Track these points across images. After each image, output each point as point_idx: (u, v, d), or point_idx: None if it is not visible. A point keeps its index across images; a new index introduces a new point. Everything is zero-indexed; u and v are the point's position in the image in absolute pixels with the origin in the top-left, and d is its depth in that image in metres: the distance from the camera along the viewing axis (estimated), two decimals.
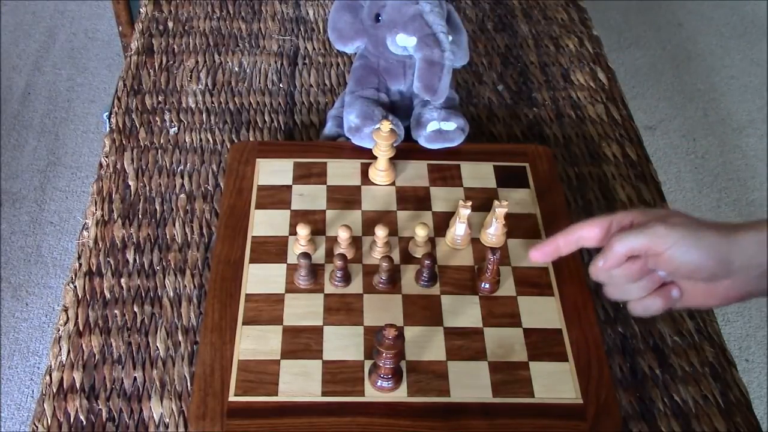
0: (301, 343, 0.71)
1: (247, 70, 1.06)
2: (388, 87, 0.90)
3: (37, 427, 0.69)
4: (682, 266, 0.60)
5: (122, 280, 0.80)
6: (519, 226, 0.82)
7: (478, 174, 0.87)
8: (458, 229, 0.78)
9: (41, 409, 0.71)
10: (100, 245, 0.84)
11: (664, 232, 0.60)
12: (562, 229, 0.82)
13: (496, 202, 0.77)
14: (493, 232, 0.79)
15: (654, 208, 0.61)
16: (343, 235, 0.76)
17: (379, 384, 0.68)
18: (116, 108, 1.00)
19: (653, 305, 0.64)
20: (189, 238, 0.85)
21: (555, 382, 0.70)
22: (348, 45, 0.90)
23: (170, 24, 1.13)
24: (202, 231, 0.85)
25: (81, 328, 0.76)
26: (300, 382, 0.69)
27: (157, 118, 0.99)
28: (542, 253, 0.67)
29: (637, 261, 0.62)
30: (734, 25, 2.60)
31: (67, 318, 0.77)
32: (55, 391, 0.72)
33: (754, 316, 1.82)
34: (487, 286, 0.76)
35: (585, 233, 0.65)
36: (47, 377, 0.73)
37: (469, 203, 0.77)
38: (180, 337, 0.76)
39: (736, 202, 2.04)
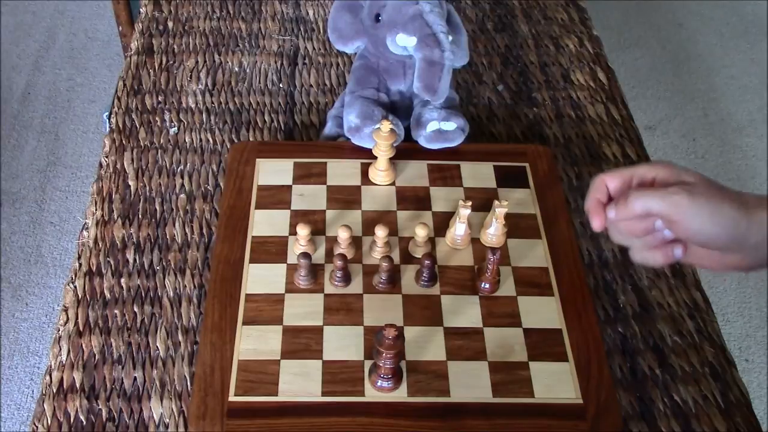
0: (301, 343, 0.71)
1: (247, 70, 1.06)
2: (388, 87, 0.90)
3: (37, 427, 0.69)
4: (696, 236, 0.61)
5: (122, 280, 0.80)
6: (519, 226, 0.82)
7: (478, 174, 0.87)
8: (458, 229, 0.78)
9: (41, 409, 0.71)
10: (100, 245, 0.84)
11: (686, 202, 0.60)
12: (561, 230, 0.82)
13: (496, 202, 0.77)
14: (493, 232, 0.79)
15: (678, 166, 0.62)
16: (343, 235, 0.76)
17: (379, 384, 0.68)
18: (116, 108, 1.00)
19: (652, 259, 0.64)
20: (189, 238, 0.85)
21: (555, 382, 0.70)
22: (348, 45, 0.90)
23: (170, 24, 1.13)
24: (202, 231, 0.85)
25: (81, 328, 0.76)
26: (300, 382, 0.69)
27: (157, 118, 0.99)
28: (600, 220, 0.65)
29: (647, 220, 0.62)
30: (734, 25, 2.60)
31: (67, 318, 0.77)
32: (55, 391, 0.72)
33: (754, 316, 1.82)
34: (487, 286, 0.76)
35: (608, 183, 0.65)
36: (47, 377, 0.73)
37: (469, 203, 0.77)
38: (180, 337, 0.76)
39: None
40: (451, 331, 0.73)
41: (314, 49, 1.10)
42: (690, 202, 0.60)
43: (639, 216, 0.62)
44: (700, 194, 0.60)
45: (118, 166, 0.92)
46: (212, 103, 1.01)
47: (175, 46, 1.09)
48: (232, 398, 0.67)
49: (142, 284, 0.80)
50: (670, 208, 0.60)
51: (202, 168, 0.93)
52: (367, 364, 0.70)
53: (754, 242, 0.59)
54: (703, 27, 2.58)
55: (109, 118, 1.00)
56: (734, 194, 0.61)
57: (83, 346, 0.75)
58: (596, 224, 0.65)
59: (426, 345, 0.72)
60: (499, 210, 0.77)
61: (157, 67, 1.06)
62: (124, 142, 0.95)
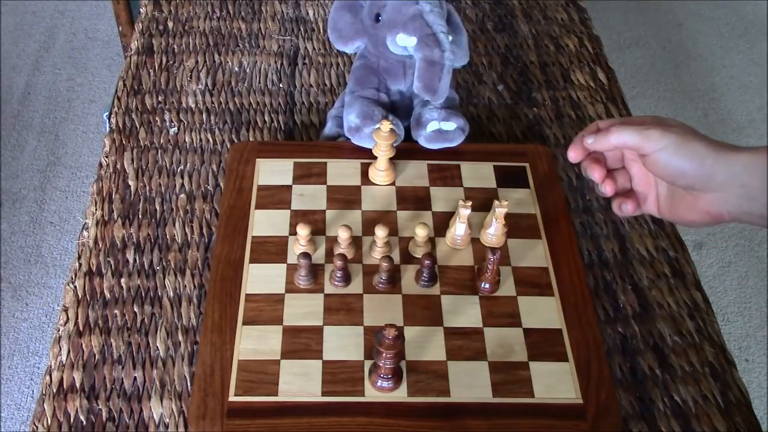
0: (301, 343, 0.71)
1: (247, 70, 1.06)
2: (388, 87, 0.90)
3: (37, 427, 0.69)
4: (665, 170, 0.64)
5: (122, 280, 0.80)
6: (519, 226, 0.82)
7: (478, 174, 0.87)
8: (458, 229, 0.78)
9: (41, 409, 0.71)
10: (100, 245, 0.84)
11: (658, 135, 0.63)
12: (561, 230, 0.83)
13: (496, 202, 0.77)
14: (493, 232, 0.79)
15: (669, 118, 0.66)
16: (343, 235, 0.76)
17: (379, 384, 0.68)
18: (116, 108, 1.00)
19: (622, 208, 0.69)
20: (189, 238, 0.85)
21: (555, 382, 0.70)
22: (348, 45, 0.90)
23: (170, 24, 1.13)
24: (202, 231, 0.85)
25: (81, 328, 0.76)
26: (300, 382, 0.69)
27: (157, 118, 0.99)
28: (576, 152, 0.70)
29: (617, 153, 0.69)
30: (734, 25, 2.60)
31: (67, 318, 0.77)
32: (55, 391, 0.72)
33: (754, 316, 1.82)
34: (487, 286, 0.76)
35: (600, 125, 0.69)
36: (47, 377, 0.73)
37: (469, 203, 0.77)
38: (180, 337, 0.76)
39: None
40: (451, 331, 0.73)
41: (314, 49, 1.10)
42: (661, 135, 0.63)
43: (614, 146, 0.67)
44: (674, 132, 0.64)
45: (118, 166, 0.92)
46: (212, 103, 1.01)
47: (175, 46, 1.09)
48: (232, 398, 0.67)
49: (142, 284, 0.80)
50: (644, 141, 0.64)
51: (202, 168, 0.93)
52: (367, 364, 0.70)
53: (720, 180, 0.61)
54: (703, 27, 2.58)
55: (109, 118, 1.00)
56: (708, 138, 0.64)
57: (83, 346, 0.75)
58: (572, 155, 0.70)
59: (426, 345, 0.72)
60: (499, 210, 0.77)
61: (157, 67, 1.06)
62: (124, 142, 0.95)
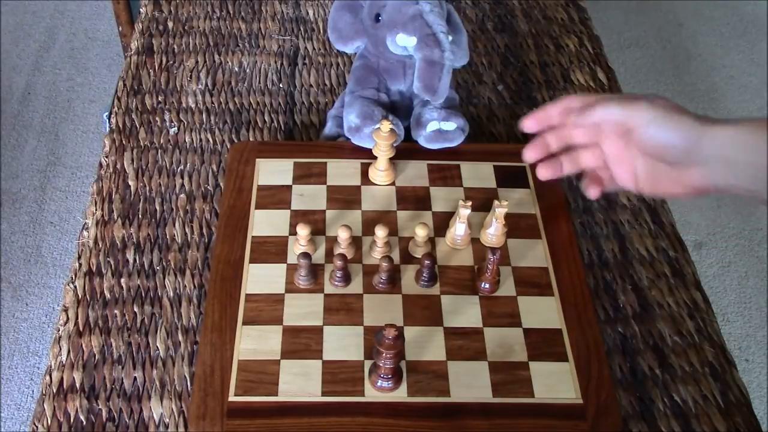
0: (301, 343, 0.71)
1: (247, 70, 1.06)
2: (388, 87, 0.90)
3: (37, 427, 0.69)
4: (652, 142, 0.64)
5: (122, 280, 0.80)
6: (519, 226, 0.82)
7: (478, 174, 0.87)
8: (458, 229, 0.78)
9: (41, 409, 0.71)
10: (100, 245, 0.84)
11: (644, 107, 0.63)
12: (561, 230, 0.83)
13: (496, 202, 0.77)
14: (493, 232, 0.79)
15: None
16: (343, 235, 0.76)
17: (379, 384, 0.68)
18: (116, 108, 1.00)
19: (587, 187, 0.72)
20: (189, 238, 0.85)
21: (555, 382, 0.70)
22: (348, 45, 0.90)
23: (170, 24, 1.13)
24: (202, 231, 0.85)
25: (81, 328, 0.76)
26: (300, 382, 0.69)
27: (157, 118, 0.99)
28: (532, 123, 0.72)
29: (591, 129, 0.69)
30: (734, 25, 2.60)
31: (67, 318, 0.77)
32: (55, 391, 0.72)
33: (754, 316, 1.82)
34: (487, 286, 0.76)
35: (571, 104, 0.69)
36: (47, 377, 0.73)
37: (469, 203, 0.77)
38: (180, 337, 0.76)
39: (736, 202, 2.04)
40: (451, 331, 0.73)
41: (314, 49, 1.10)
42: (648, 107, 0.63)
43: (596, 122, 0.67)
44: (660, 105, 0.64)
45: (118, 166, 0.92)
46: (212, 103, 1.01)
47: (175, 46, 1.09)
48: (232, 398, 0.67)
49: (142, 284, 0.80)
50: (630, 114, 0.64)
51: (202, 168, 0.93)
52: (367, 364, 0.70)
53: (706, 153, 0.61)
54: (703, 27, 2.58)
55: (109, 118, 1.00)
56: (694, 113, 0.63)
57: (83, 346, 0.75)
58: (527, 123, 0.73)
59: (426, 345, 0.72)
60: (499, 210, 0.77)
61: (157, 67, 1.06)
62: (124, 142, 0.95)
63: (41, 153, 2.04)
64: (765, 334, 1.78)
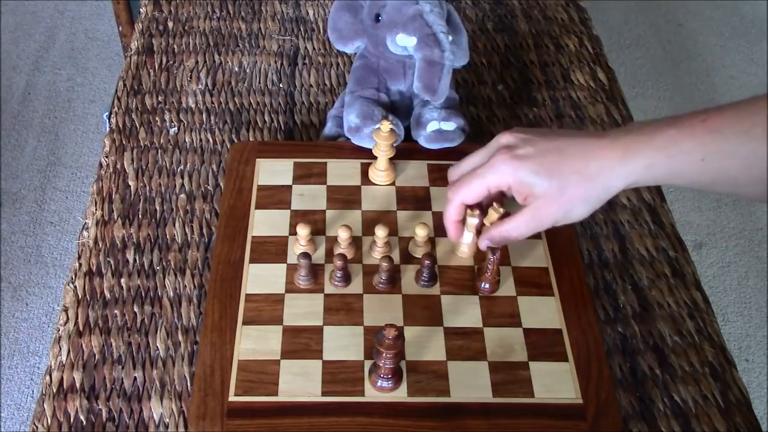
0: (301, 343, 0.71)
1: (247, 70, 1.06)
2: (388, 87, 0.90)
3: (37, 427, 0.69)
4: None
5: (122, 280, 0.80)
6: None
7: None
8: (465, 237, 0.77)
9: (41, 409, 0.71)
10: (100, 245, 0.84)
11: (549, 223, 0.69)
12: (561, 230, 0.82)
13: (468, 211, 0.75)
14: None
15: (521, 167, 0.68)
16: (343, 235, 0.76)
17: (379, 384, 0.68)
18: (116, 108, 1.00)
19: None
20: (189, 238, 0.85)
21: (555, 382, 0.70)
22: (348, 45, 0.90)
23: (170, 24, 1.13)
24: (202, 231, 0.85)
25: (81, 328, 0.76)
26: (300, 382, 0.69)
27: (157, 118, 0.99)
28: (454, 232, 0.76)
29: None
30: (734, 25, 2.60)
31: (67, 318, 0.77)
32: (55, 391, 0.72)
33: (754, 316, 1.82)
34: (487, 286, 0.76)
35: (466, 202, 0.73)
36: (47, 377, 0.73)
37: (477, 212, 0.74)
38: (180, 337, 0.76)
39: (736, 202, 2.04)
40: (451, 331, 0.73)
41: (314, 49, 1.10)
42: (550, 222, 0.68)
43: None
44: (551, 207, 0.67)
45: (118, 166, 0.92)
46: (212, 103, 1.01)
47: (175, 46, 1.09)
48: (232, 398, 0.67)
49: (142, 284, 0.80)
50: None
51: (202, 168, 0.93)
52: (367, 364, 0.70)
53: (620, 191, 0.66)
54: (703, 27, 2.58)
55: (109, 118, 1.00)
56: (579, 180, 0.66)
57: (83, 346, 0.75)
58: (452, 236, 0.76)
59: (426, 345, 0.72)
60: (470, 220, 0.75)
61: (157, 67, 1.06)
62: (124, 142, 0.95)
63: (41, 153, 2.04)
64: (765, 334, 1.78)
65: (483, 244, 0.74)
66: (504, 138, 0.70)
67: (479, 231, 0.76)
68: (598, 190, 0.66)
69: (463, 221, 0.75)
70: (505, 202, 0.77)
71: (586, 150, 0.66)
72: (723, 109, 0.61)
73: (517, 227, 0.70)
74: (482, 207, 0.74)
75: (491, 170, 0.69)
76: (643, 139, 0.64)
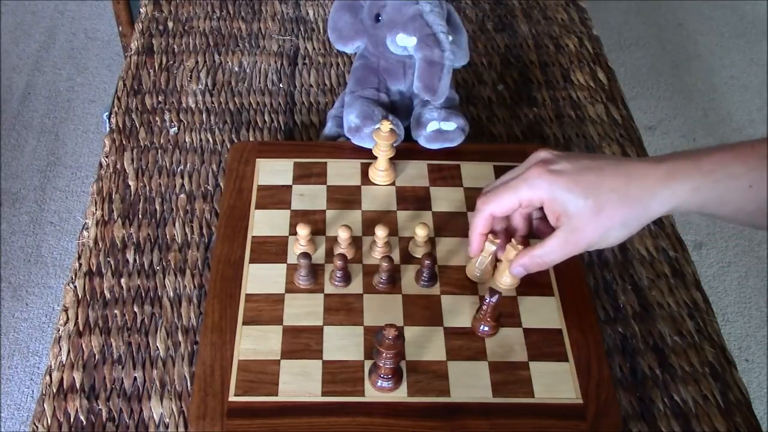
0: (301, 343, 0.71)
1: (247, 70, 1.06)
2: (388, 87, 0.90)
3: (37, 427, 0.69)
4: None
5: (122, 280, 0.80)
6: None
7: (478, 174, 0.87)
8: (479, 261, 0.75)
9: (41, 409, 0.71)
10: (100, 245, 0.84)
11: (583, 246, 0.66)
12: None
13: (490, 237, 0.73)
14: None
15: (558, 184, 0.65)
16: (343, 235, 0.76)
17: (379, 384, 0.68)
18: (116, 108, 1.00)
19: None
20: (189, 238, 0.85)
21: (555, 382, 0.70)
22: (348, 45, 0.90)
23: (170, 24, 1.13)
24: (202, 231, 0.85)
25: (81, 328, 0.76)
26: (300, 382, 0.69)
27: (157, 118, 0.99)
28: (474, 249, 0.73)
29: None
30: (734, 25, 2.60)
31: (67, 318, 0.77)
32: (55, 391, 0.72)
33: (754, 316, 1.82)
34: (487, 329, 0.72)
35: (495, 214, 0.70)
36: (47, 377, 0.73)
37: (497, 240, 0.72)
38: (180, 337, 0.76)
39: None
40: (451, 331, 0.73)
41: (314, 49, 1.10)
42: (585, 245, 0.65)
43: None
44: (587, 230, 0.64)
45: (118, 166, 0.92)
46: (212, 103, 1.01)
47: (175, 46, 1.09)
48: (232, 398, 0.67)
49: (142, 284, 0.80)
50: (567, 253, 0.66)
51: (202, 168, 0.93)
52: (367, 364, 0.70)
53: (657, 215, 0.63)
54: (703, 27, 2.58)
55: (109, 118, 1.00)
56: (619, 201, 0.62)
57: (83, 346, 0.75)
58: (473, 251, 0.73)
59: (426, 345, 0.72)
60: (488, 246, 0.73)
61: (157, 67, 1.06)
62: (124, 142, 0.95)
63: (41, 153, 2.04)
64: (765, 334, 1.78)
65: (515, 271, 0.70)
66: (541, 153, 0.67)
67: (495, 262, 0.75)
68: (639, 213, 0.62)
69: (486, 237, 0.72)
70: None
71: (628, 170, 0.62)
72: None
73: (550, 252, 0.66)
74: (507, 234, 0.72)
75: (524, 183, 0.66)
76: (688, 162, 0.60)
